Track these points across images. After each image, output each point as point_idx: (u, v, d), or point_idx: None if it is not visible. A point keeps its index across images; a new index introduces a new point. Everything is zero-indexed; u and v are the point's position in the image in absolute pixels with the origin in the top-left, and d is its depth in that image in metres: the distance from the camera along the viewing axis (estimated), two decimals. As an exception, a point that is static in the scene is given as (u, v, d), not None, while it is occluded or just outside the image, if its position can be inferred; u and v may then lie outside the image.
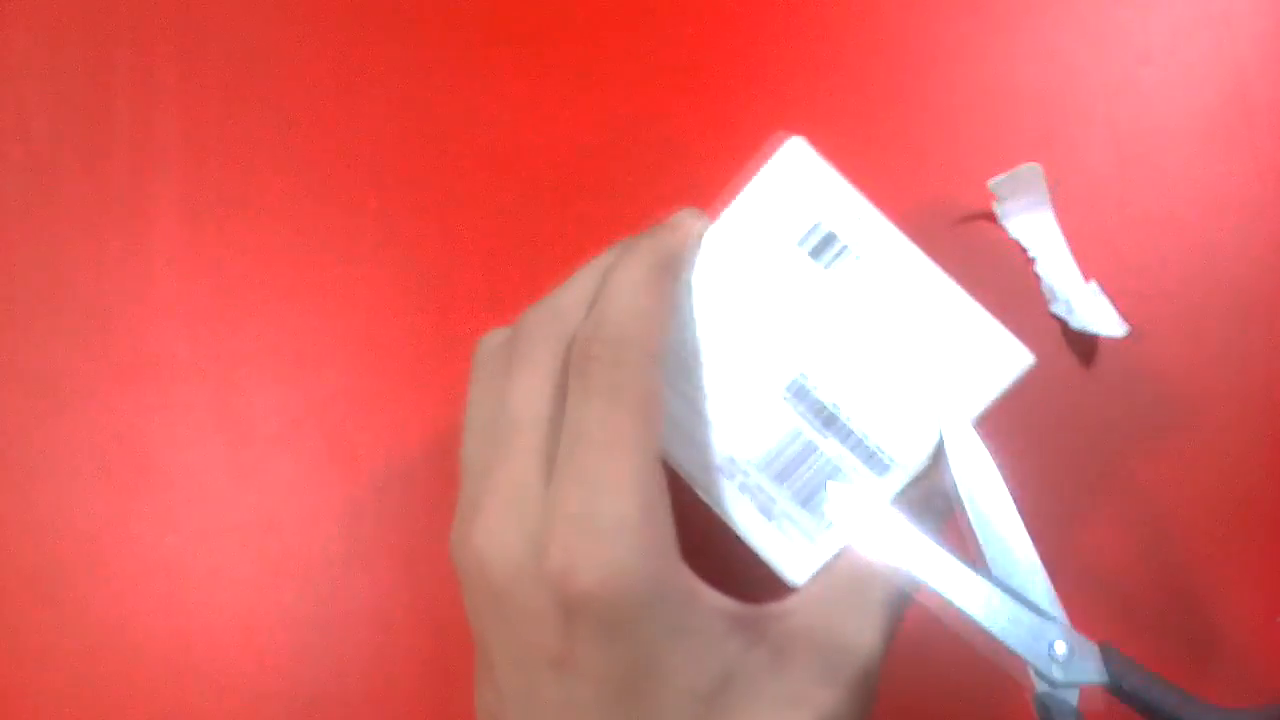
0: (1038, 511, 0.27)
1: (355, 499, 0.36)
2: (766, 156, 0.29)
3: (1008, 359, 0.28)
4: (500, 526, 0.25)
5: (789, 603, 0.27)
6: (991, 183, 0.35)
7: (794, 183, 0.28)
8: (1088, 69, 0.38)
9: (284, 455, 0.36)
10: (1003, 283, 0.36)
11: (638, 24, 0.38)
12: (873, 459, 0.28)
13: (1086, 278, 0.36)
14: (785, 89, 0.38)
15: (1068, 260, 0.36)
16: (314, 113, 0.38)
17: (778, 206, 0.28)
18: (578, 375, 0.25)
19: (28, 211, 0.38)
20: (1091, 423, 0.35)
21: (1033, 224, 0.36)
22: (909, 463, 0.28)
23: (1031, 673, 0.26)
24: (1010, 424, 0.28)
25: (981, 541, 0.26)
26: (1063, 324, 0.36)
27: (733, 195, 0.29)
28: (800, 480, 0.28)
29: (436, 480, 0.35)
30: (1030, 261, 0.36)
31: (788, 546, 0.28)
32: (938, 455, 0.27)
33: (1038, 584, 0.26)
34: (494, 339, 0.29)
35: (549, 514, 0.24)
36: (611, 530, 0.23)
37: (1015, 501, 0.27)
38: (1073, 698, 0.26)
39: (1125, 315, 0.35)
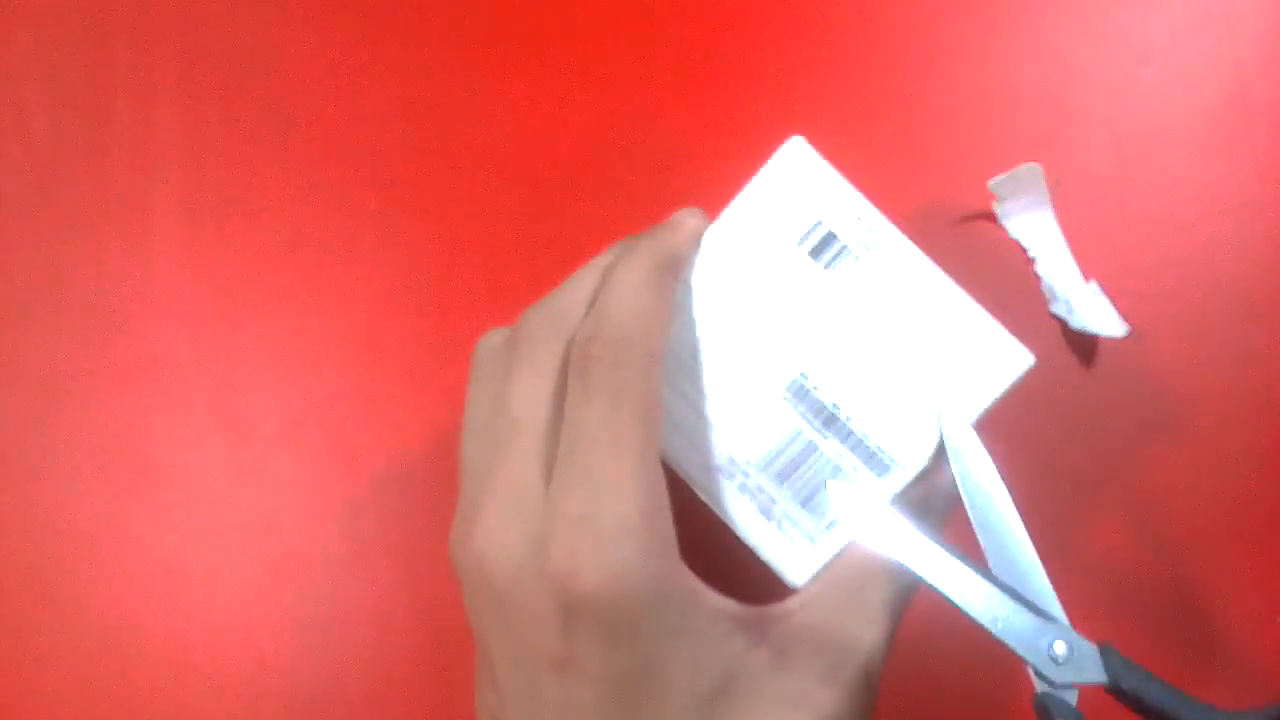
0: (1038, 511, 0.27)
1: (355, 499, 0.36)
2: (767, 156, 0.29)
3: (1008, 359, 0.28)
4: (501, 527, 0.25)
5: (790, 603, 0.27)
6: (991, 183, 0.35)
7: (794, 182, 0.28)
8: (1088, 69, 0.38)
9: (284, 455, 0.36)
10: (1003, 283, 0.36)
11: (638, 24, 0.38)
12: (873, 459, 0.28)
13: (1086, 278, 0.36)
14: (785, 89, 0.38)
15: (1068, 260, 0.36)
16: (314, 113, 0.38)
17: (778, 206, 0.28)
18: (578, 375, 0.25)
19: (28, 211, 0.38)
20: (1091, 423, 0.35)
21: (1033, 224, 0.36)
22: (909, 463, 0.28)
23: (1031, 673, 0.26)
24: (1010, 424, 0.28)
25: (981, 541, 0.26)
26: (1063, 324, 0.36)
27: (733, 195, 0.29)
28: (800, 480, 0.28)
29: (436, 480, 0.35)
30: (1030, 261, 0.36)
31: (788, 547, 0.27)
32: (938, 455, 0.27)
33: (1038, 584, 0.26)
34: (494, 339, 0.28)
35: (550, 515, 0.24)
36: (612, 531, 0.23)
37: (1015, 501, 0.27)
38: (1072, 698, 0.26)
39: (1125, 315, 0.35)
